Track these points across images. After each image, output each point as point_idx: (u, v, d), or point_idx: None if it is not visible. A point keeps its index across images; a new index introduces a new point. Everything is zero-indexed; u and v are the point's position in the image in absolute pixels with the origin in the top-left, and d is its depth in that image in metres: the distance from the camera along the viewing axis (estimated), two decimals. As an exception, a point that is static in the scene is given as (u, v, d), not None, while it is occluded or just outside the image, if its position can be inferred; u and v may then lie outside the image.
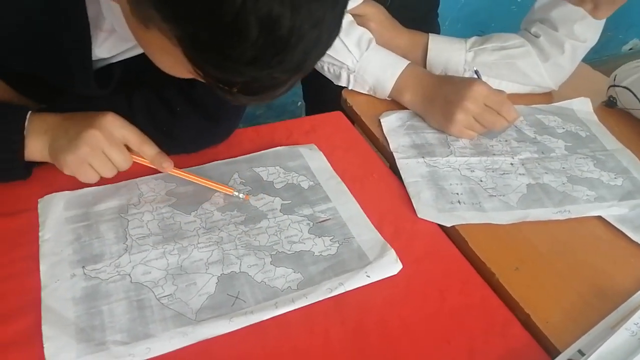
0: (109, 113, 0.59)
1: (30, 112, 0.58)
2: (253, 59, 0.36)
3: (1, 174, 0.60)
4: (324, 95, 0.92)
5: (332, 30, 0.40)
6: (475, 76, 0.80)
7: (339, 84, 0.85)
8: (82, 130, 0.57)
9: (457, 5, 2.01)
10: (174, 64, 0.42)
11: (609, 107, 0.90)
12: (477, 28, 2.09)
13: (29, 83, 0.63)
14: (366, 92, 0.85)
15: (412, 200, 0.67)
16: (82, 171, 0.59)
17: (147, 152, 0.62)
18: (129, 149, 0.61)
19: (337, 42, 0.78)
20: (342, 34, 0.80)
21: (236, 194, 0.64)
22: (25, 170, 0.60)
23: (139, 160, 0.62)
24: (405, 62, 0.81)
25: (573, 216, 0.67)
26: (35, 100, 0.65)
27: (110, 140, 0.58)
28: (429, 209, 0.66)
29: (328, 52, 0.85)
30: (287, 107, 2.03)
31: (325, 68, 0.84)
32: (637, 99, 0.84)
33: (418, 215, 0.66)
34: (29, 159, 0.59)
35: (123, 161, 0.60)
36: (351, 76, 0.83)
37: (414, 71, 0.81)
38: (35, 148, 0.58)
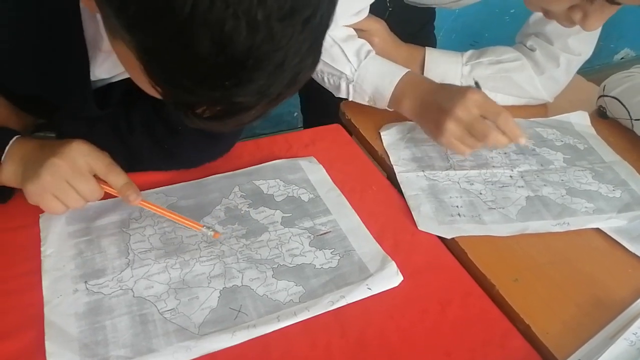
0: (75, 140, 0.56)
1: (16, 137, 0.57)
2: (204, 78, 0.34)
3: None
4: (322, 107, 0.92)
5: (304, 57, 0.36)
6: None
7: (339, 96, 0.85)
8: (46, 159, 0.54)
9: (451, 16, 2.04)
10: (142, 80, 0.40)
11: (601, 118, 0.91)
12: (471, 38, 2.12)
13: (26, 99, 0.63)
14: (366, 103, 0.83)
15: (413, 213, 0.68)
16: (45, 202, 0.56)
17: (114, 182, 0.57)
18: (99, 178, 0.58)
19: (336, 51, 0.80)
20: (342, 43, 0.79)
21: (204, 230, 0.59)
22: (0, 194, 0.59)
23: (109, 190, 0.58)
24: (403, 70, 0.79)
25: (572, 228, 0.68)
26: (33, 115, 0.65)
27: (74, 170, 0.55)
28: (429, 221, 0.67)
29: (327, 60, 0.83)
30: (283, 117, 2.04)
31: (325, 79, 0.84)
32: (626, 108, 0.85)
33: (419, 227, 0.66)
34: (3, 184, 0.57)
35: (89, 192, 0.56)
36: (350, 86, 0.82)
37: (413, 79, 0.79)
38: (10, 174, 0.57)
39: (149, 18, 0.33)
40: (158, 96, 0.40)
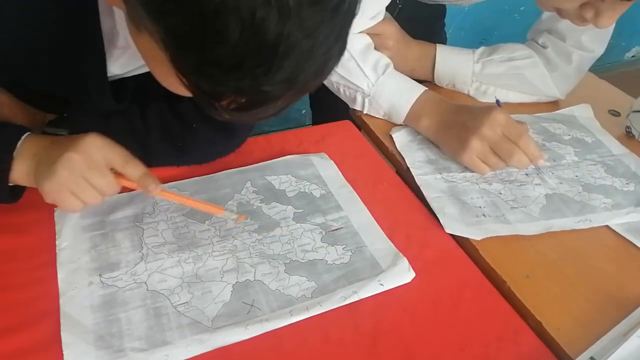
0: (90, 134, 0.54)
1: (27, 133, 0.55)
2: (234, 66, 0.34)
3: None
4: (331, 103, 0.93)
5: (331, 44, 0.36)
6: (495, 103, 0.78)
7: (354, 108, 0.85)
8: (60, 154, 0.52)
9: (460, 13, 2.03)
10: (165, 74, 0.40)
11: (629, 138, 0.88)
12: (480, 36, 2.11)
13: (38, 95, 0.63)
14: (381, 117, 0.84)
15: (438, 215, 0.67)
16: (63, 199, 0.54)
17: (132, 173, 0.56)
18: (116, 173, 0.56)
19: (353, 65, 0.80)
20: (359, 57, 0.79)
21: (227, 214, 0.59)
22: (10, 194, 0.57)
23: (126, 183, 0.56)
24: (421, 88, 0.80)
25: (595, 225, 0.68)
26: (44, 111, 0.65)
27: (91, 164, 0.53)
28: (456, 223, 0.66)
29: (343, 74, 0.83)
30: (291, 114, 2.05)
31: (341, 90, 0.84)
32: None
33: (446, 230, 0.65)
34: (14, 182, 0.55)
35: (106, 186, 0.55)
36: (366, 100, 0.82)
37: (431, 97, 0.80)
38: (22, 172, 0.54)
39: (179, 5, 0.33)
40: (181, 90, 0.40)
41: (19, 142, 0.54)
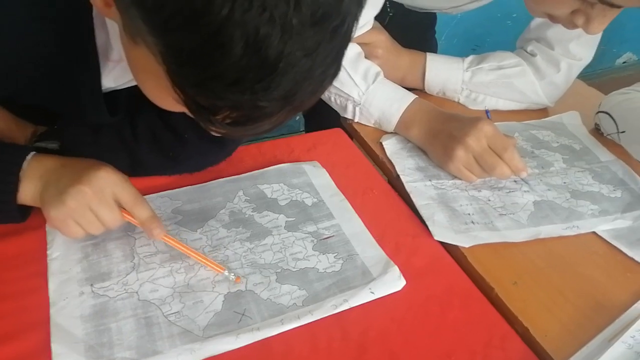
0: (103, 168, 0.55)
1: (32, 153, 0.56)
2: (235, 80, 0.35)
3: None
4: (323, 110, 0.93)
5: (328, 65, 0.37)
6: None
7: (345, 116, 0.86)
8: (72, 184, 0.53)
9: (453, 21, 2.05)
10: (158, 88, 0.40)
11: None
12: (473, 43, 2.13)
13: (31, 108, 0.63)
14: (372, 125, 0.84)
15: (427, 222, 0.68)
16: (65, 227, 0.55)
17: (139, 215, 0.57)
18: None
19: (343, 74, 0.80)
20: (349, 66, 0.80)
21: (226, 274, 0.58)
22: (19, 213, 0.58)
23: (130, 219, 0.57)
24: (412, 97, 0.81)
25: (582, 231, 0.69)
26: (35, 123, 0.65)
27: (100, 198, 0.54)
28: (445, 230, 0.67)
29: (334, 83, 0.84)
30: (285, 121, 2.05)
31: (332, 99, 0.85)
32: (614, 121, 0.84)
33: (435, 237, 0.66)
34: (21, 202, 0.56)
35: (111, 220, 0.56)
36: (357, 109, 0.83)
37: (421, 106, 0.80)
38: (28, 192, 0.55)
39: (185, 19, 0.33)
40: (169, 104, 0.41)
41: (25, 163, 0.55)
